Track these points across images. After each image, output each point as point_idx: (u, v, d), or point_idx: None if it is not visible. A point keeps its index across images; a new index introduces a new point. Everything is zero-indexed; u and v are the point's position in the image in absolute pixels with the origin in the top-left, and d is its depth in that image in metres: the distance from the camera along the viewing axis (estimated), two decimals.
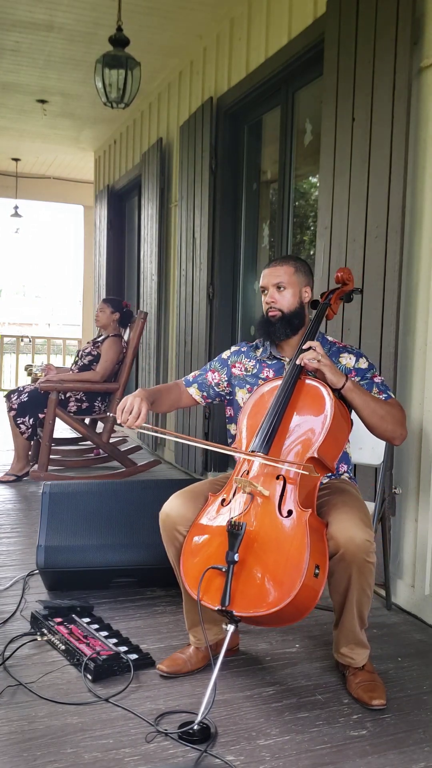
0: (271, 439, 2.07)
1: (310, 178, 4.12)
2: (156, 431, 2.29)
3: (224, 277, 4.69)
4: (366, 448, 2.61)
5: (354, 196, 3.06)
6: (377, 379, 2.27)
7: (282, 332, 2.30)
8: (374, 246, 2.92)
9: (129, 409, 2.16)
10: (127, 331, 5.15)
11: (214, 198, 4.63)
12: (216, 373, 2.45)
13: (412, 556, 2.81)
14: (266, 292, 2.32)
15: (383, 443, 2.62)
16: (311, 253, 3.88)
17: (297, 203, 4.11)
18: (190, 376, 2.49)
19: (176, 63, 5.48)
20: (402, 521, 2.87)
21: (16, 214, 10.51)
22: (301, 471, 1.97)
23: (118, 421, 2.16)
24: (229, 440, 2.43)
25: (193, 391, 2.45)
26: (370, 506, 2.51)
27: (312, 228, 4.07)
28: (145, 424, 2.16)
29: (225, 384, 2.44)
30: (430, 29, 2.72)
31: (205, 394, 2.45)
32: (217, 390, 2.45)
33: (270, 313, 2.30)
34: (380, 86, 2.88)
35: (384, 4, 2.86)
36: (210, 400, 2.47)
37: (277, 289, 2.29)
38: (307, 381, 2.15)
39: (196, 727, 1.84)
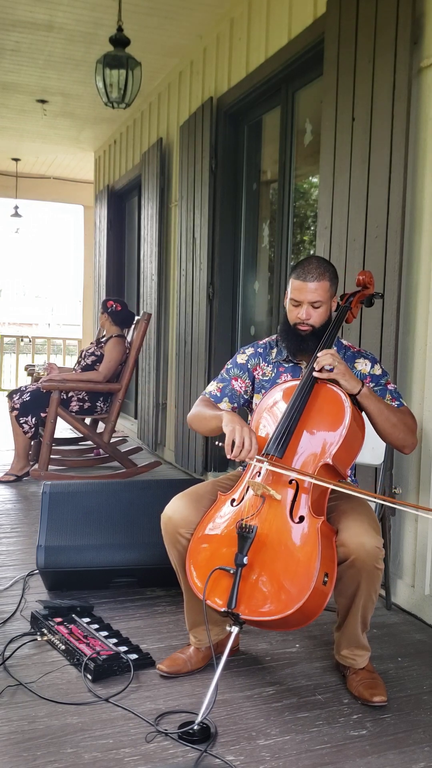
0: (287, 442, 2.04)
1: (310, 178, 4.12)
2: (275, 465, 2.00)
3: (224, 277, 4.69)
4: (366, 448, 2.60)
5: (354, 196, 3.06)
6: (390, 387, 2.26)
7: (312, 347, 2.20)
8: (374, 246, 2.92)
9: (240, 444, 2.01)
10: (131, 331, 5.16)
11: (214, 198, 4.63)
12: (240, 381, 2.36)
13: (412, 556, 2.81)
14: (298, 305, 2.21)
15: (383, 443, 2.62)
16: (311, 253, 3.88)
17: (297, 203, 4.11)
18: (215, 391, 2.35)
19: (176, 63, 5.48)
20: (402, 521, 2.87)
21: (16, 214, 10.50)
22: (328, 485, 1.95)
23: (229, 457, 2.02)
24: None
25: (225, 406, 2.32)
26: (371, 506, 2.51)
27: (312, 228, 4.06)
28: (258, 456, 2.03)
29: (251, 390, 2.36)
30: (430, 29, 2.72)
31: (235, 405, 2.35)
32: (246, 398, 2.37)
33: (301, 328, 2.21)
34: (380, 86, 2.88)
35: (384, 4, 2.86)
36: (237, 409, 2.36)
37: (313, 307, 2.20)
38: (325, 385, 2.11)
39: (196, 727, 1.84)
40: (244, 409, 2.42)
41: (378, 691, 2.07)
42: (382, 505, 2.59)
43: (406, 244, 2.81)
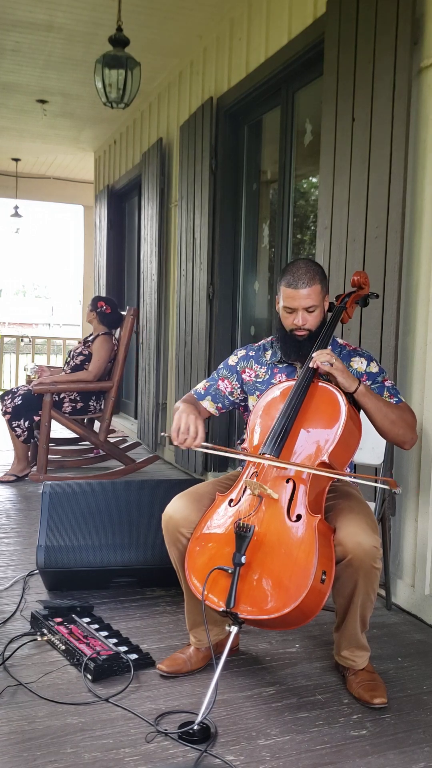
0: (283, 441, 2.05)
1: (310, 178, 4.12)
2: (217, 450, 2.09)
3: (224, 277, 4.69)
4: (366, 448, 2.61)
5: (354, 196, 3.06)
6: (388, 383, 2.26)
7: (309, 349, 2.19)
8: (374, 246, 2.92)
9: (185, 429, 2.06)
10: (119, 329, 5.17)
11: (214, 198, 4.63)
12: (226, 381, 2.38)
13: (412, 556, 2.81)
14: (293, 312, 2.21)
15: (383, 443, 2.62)
16: (311, 252, 3.88)
17: (297, 203, 4.11)
18: (200, 389, 2.40)
19: (176, 63, 5.48)
20: (402, 521, 2.87)
21: (16, 214, 10.50)
22: (314, 471, 1.96)
23: (174, 443, 2.05)
24: (237, 441, 2.42)
25: (207, 404, 2.37)
26: (371, 506, 2.51)
27: (312, 228, 4.06)
28: (204, 443, 2.06)
29: (238, 391, 2.38)
30: (430, 29, 2.72)
31: (219, 405, 2.38)
32: (232, 399, 2.39)
33: (298, 333, 2.22)
34: (380, 86, 2.88)
35: (384, 4, 2.86)
36: (224, 410, 2.40)
37: (308, 311, 2.21)
38: (321, 384, 2.12)
39: (196, 727, 1.84)
40: (235, 410, 2.42)
41: (378, 693, 2.07)
42: (382, 505, 2.59)
43: (406, 244, 2.81)
